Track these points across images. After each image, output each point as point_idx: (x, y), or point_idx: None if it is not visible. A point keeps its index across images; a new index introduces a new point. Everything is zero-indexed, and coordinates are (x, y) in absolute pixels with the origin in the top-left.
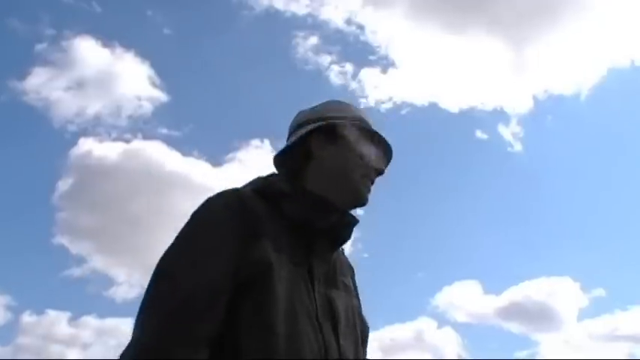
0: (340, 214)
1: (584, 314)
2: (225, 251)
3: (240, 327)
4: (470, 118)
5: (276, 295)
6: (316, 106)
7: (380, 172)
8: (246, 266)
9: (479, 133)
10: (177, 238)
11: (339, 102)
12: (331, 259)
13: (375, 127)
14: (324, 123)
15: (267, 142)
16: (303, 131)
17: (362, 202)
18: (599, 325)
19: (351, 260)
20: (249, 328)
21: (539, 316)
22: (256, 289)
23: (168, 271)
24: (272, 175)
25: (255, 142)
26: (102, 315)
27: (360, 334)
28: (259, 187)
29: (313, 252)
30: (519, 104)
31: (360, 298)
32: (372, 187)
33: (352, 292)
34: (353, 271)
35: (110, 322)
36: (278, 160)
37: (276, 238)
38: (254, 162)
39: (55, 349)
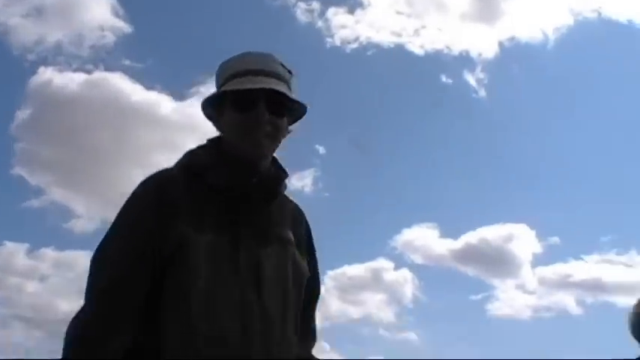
0: (261, 174)
1: (538, 261)
2: (144, 232)
3: (165, 309)
4: (435, 61)
5: (195, 271)
6: (220, 65)
7: (272, 122)
8: (166, 245)
9: (444, 78)
10: (112, 224)
11: (230, 59)
12: (264, 216)
13: (267, 67)
14: (212, 95)
15: None
16: (205, 101)
17: (256, 156)
18: (552, 271)
19: (311, 199)
20: (171, 310)
21: (495, 261)
22: (176, 268)
23: (99, 258)
24: (200, 147)
25: None
26: (61, 247)
27: (294, 283)
28: (185, 162)
29: (239, 215)
30: (485, 50)
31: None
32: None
33: (289, 243)
34: (300, 219)
35: (69, 254)
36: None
37: (197, 213)
38: None
39: (13, 280)
